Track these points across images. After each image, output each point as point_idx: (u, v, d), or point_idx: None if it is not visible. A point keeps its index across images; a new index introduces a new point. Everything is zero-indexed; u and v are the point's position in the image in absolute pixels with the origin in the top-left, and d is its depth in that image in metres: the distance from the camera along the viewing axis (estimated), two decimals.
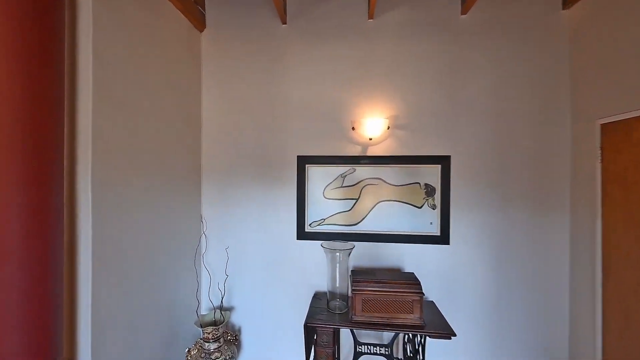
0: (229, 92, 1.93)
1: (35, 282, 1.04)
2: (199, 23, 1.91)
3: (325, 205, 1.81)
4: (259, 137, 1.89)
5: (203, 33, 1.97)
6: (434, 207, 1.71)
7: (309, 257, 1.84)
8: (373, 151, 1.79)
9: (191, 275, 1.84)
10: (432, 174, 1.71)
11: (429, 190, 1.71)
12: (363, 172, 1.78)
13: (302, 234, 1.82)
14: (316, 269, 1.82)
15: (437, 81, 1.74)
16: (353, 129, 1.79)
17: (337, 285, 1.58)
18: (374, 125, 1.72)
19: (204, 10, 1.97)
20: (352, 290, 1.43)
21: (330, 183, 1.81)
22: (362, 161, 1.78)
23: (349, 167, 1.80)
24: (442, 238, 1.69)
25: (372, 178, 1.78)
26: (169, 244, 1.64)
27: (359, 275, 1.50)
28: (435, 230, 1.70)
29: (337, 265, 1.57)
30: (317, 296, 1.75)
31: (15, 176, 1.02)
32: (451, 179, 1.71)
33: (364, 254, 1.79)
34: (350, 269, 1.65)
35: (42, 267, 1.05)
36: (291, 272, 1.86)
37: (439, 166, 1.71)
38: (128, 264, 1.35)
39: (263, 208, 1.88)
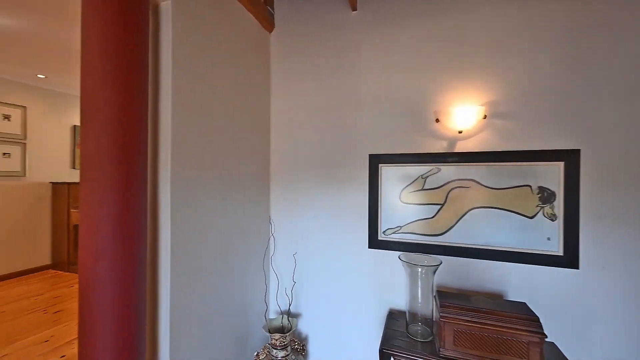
0: (297, 91, 1.86)
1: (123, 277, 1.09)
2: (268, 23, 1.89)
3: (402, 210, 1.57)
4: (327, 136, 1.76)
5: (272, 33, 1.95)
6: (553, 217, 1.30)
7: (383, 268, 1.62)
8: (463, 146, 1.47)
9: (260, 278, 1.81)
10: (550, 175, 1.31)
11: (546, 196, 1.31)
12: (450, 172, 1.48)
13: (374, 243, 1.62)
14: (391, 282, 1.59)
15: (560, 51, 1.32)
16: (437, 121, 1.51)
17: (419, 306, 1.33)
18: (464, 115, 1.41)
19: (273, 10, 1.95)
20: (441, 316, 1.16)
21: (409, 185, 1.56)
22: (449, 159, 1.48)
23: (431, 167, 1.52)
24: (568, 259, 1.27)
25: (462, 179, 1.46)
26: (239, 244, 1.64)
27: (449, 298, 1.22)
28: (557, 249, 1.29)
29: (419, 282, 1.32)
30: (392, 315, 1.52)
31: (108, 178, 1.08)
32: (581, 181, 1.27)
33: (450, 272, 1.49)
34: (434, 288, 1.38)
35: (129, 263, 1.10)
36: (362, 283, 1.67)
37: (561, 164, 1.29)
38: (202, 263, 1.36)
39: (331, 212, 1.74)
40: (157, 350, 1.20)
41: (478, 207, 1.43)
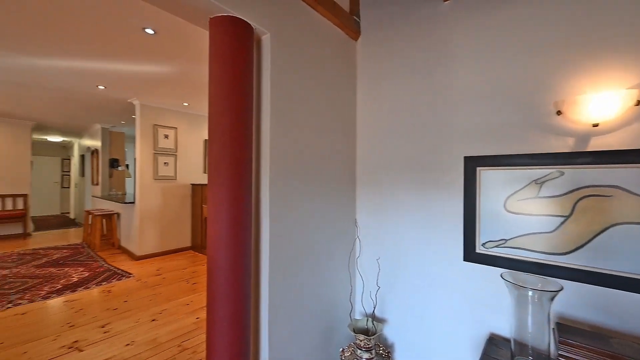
0: (383, 94, 1.84)
1: (234, 260, 1.33)
2: (354, 32, 1.94)
3: (508, 221, 1.34)
4: (416, 138, 1.67)
5: (358, 41, 1.99)
6: None
7: (481, 285, 1.42)
8: (600, 143, 1.14)
9: (346, 278, 1.88)
10: None
11: None
12: (579, 176, 1.18)
13: (470, 255, 1.44)
14: (492, 303, 1.38)
15: None
16: (558, 113, 1.22)
17: (529, 336, 1.11)
18: (602, 103, 1.09)
19: (359, 18, 1.99)
20: (561, 355, 0.94)
21: (517, 192, 1.32)
22: (578, 160, 1.18)
23: (550, 170, 1.24)
24: None
25: (600, 186, 1.14)
26: (327, 244, 1.74)
27: (576, 336, 0.98)
28: None
29: (529, 308, 1.10)
30: (494, 341, 1.32)
31: (225, 181, 1.35)
32: None
33: (579, 301, 1.18)
34: (552, 318, 1.12)
35: (239, 250, 1.34)
36: (455, 299, 1.51)
37: None
38: (294, 258, 1.52)
39: (419, 218, 1.64)
40: (258, 328, 1.41)
41: (626, 223, 1.09)
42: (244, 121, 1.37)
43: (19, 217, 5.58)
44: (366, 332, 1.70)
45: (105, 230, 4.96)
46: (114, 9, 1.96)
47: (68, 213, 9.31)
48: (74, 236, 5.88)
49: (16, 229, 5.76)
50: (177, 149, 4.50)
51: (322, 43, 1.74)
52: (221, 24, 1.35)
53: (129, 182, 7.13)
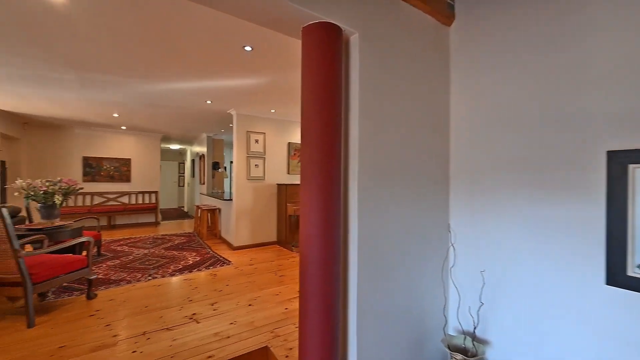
0: (484, 83, 1.61)
1: (325, 256, 1.37)
2: (446, 17, 1.76)
3: None
4: (530, 131, 1.41)
5: (451, 26, 1.80)
6: None
7: (634, 319, 1.09)
8: None
9: (438, 289, 1.72)
10: None
11: None
12: None
13: (618, 279, 1.12)
14: None
15: None
16: None
17: None
18: None
19: (454, 0, 1.80)
20: None
21: None
22: None
23: None
24: None
25: None
26: (417, 250, 1.63)
27: None
28: None
29: None
30: None
31: (317, 179, 1.39)
32: None
33: None
34: None
35: (329, 247, 1.37)
36: (587, 333, 1.21)
37: None
38: (382, 261, 1.47)
39: (535, 227, 1.38)
40: (346, 330, 1.42)
41: None
42: (334, 123, 1.40)
43: (152, 209, 7.12)
44: (464, 351, 1.52)
45: (210, 223, 5.87)
46: (220, 33, 2.28)
47: (183, 207, 11.41)
48: (187, 226, 7.16)
49: (150, 218, 7.36)
50: (265, 152, 4.98)
51: (411, 34, 1.64)
52: (313, 31, 1.41)
53: (226, 181, 8.30)
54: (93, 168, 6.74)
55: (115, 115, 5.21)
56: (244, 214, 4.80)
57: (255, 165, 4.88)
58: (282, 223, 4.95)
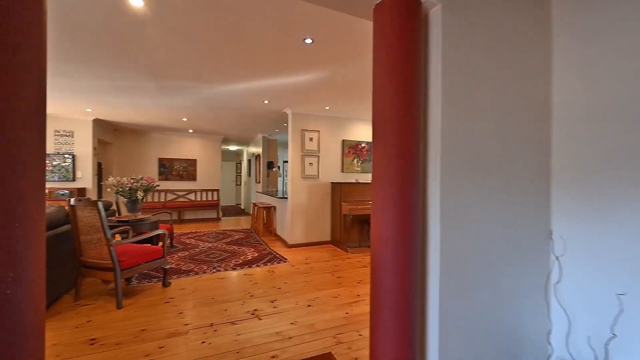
0: (599, 59, 1.26)
1: (401, 267, 1.20)
2: None
3: None
4: None
5: None
6: None
7: None
8: None
9: (539, 309, 1.41)
10: None
11: None
12: None
13: None
14: None
15: None
16: None
17: None
18: None
19: None
20: None
21: None
22: None
23: None
24: None
25: None
26: (510, 260, 1.35)
27: None
28: None
29: None
30: None
31: (391, 175, 1.23)
32: None
33: None
34: None
35: (406, 250, 1.19)
36: None
37: None
38: (468, 271, 1.24)
39: None
40: (425, 346, 1.22)
41: None
42: (412, 112, 1.21)
43: (214, 205, 7.67)
44: None
45: (266, 220, 6.07)
46: (283, 23, 2.24)
47: (240, 204, 12.16)
48: (244, 222, 7.55)
49: (212, 214, 7.95)
50: (319, 150, 4.94)
51: (504, 2, 1.36)
52: (386, 7, 1.25)
53: (279, 180, 8.55)
54: (166, 168, 7.54)
55: (185, 119, 5.71)
56: (299, 212, 4.82)
57: (310, 163, 4.87)
58: (337, 222, 4.85)
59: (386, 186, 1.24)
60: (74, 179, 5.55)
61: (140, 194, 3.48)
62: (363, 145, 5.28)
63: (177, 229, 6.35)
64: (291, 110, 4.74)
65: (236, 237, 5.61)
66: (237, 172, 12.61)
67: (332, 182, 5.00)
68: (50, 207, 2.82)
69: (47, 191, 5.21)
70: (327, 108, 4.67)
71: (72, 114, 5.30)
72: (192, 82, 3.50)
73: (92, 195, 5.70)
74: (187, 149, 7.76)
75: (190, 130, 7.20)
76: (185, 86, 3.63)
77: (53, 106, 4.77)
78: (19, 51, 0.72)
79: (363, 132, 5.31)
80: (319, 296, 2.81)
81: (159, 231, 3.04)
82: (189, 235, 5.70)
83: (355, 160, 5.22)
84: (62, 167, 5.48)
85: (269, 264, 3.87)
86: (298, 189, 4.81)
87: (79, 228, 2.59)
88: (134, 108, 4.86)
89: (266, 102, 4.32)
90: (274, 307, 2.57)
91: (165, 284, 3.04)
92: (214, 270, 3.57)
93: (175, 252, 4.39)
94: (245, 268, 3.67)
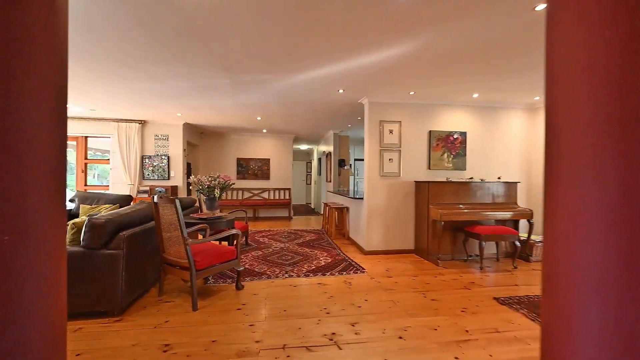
0: None
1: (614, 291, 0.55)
2: None
3: None
4: None
5: None
6: None
7: None
8: None
9: None
10: None
11: None
12: None
13: None
14: None
15: None
16: None
17: None
18: None
19: None
20: None
21: None
22: None
23: None
24: None
25: None
26: None
27: None
28: None
29: None
30: None
31: (607, 165, 0.60)
32: None
33: None
34: None
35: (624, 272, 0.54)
36: None
37: None
38: None
39: None
40: None
41: None
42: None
43: (286, 204, 7.68)
44: None
45: (338, 221, 5.67)
46: None
47: (310, 203, 12.19)
48: (314, 222, 7.34)
49: (284, 212, 8.00)
50: (400, 144, 4.27)
51: None
52: None
53: (351, 179, 8.09)
54: (243, 167, 7.90)
55: (259, 118, 5.76)
56: (377, 214, 4.25)
57: (389, 159, 4.24)
58: (422, 228, 4.10)
59: (590, 186, 0.61)
60: (168, 178, 6.17)
61: (217, 192, 3.46)
62: (456, 136, 4.37)
63: (252, 227, 6.51)
64: (368, 100, 4.20)
65: (307, 238, 5.37)
66: (307, 171, 12.70)
67: (416, 181, 4.26)
68: (142, 204, 2.95)
69: (148, 188, 5.91)
70: (412, 93, 3.96)
71: (166, 119, 5.89)
72: (265, 75, 3.30)
73: (182, 192, 6.27)
74: (261, 148, 8.00)
75: (264, 130, 7.35)
76: (258, 80, 3.47)
77: (151, 113, 5.33)
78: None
79: (455, 120, 4.40)
80: (411, 325, 2.20)
81: (233, 231, 2.90)
82: (263, 234, 5.72)
83: (446, 155, 4.35)
84: (160, 167, 6.15)
85: (344, 273, 3.42)
86: (376, 189, 4.24)
87: (162, 225, 2.60)
88: (214, 110, 5.05)
89: (341, 91, 3.89)
90: (356, 334, 2.08)
91: (239, 287, 2.88)
92: (286, 275, 3.31)
93: (250, 251, 4.35)
94: (319, 276, 3.30)
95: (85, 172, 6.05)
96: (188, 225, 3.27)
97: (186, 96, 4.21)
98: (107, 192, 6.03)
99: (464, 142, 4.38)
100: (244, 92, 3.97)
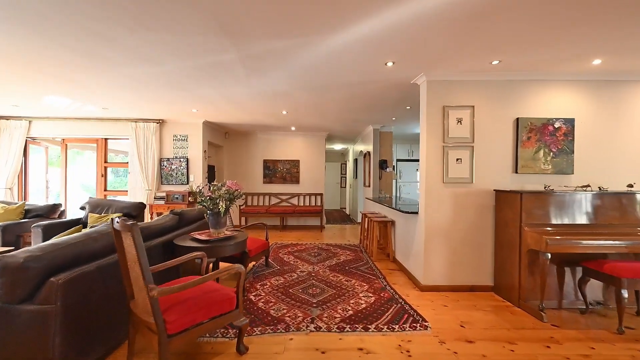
0: None
1: None
2: None
3: None
4: None
5: None
6: None
7: None
8: None
9: None
10: None
11: None
12: None
13: None
14: None
15: None
16: None
17: None
18: None
19: None
20: None
21: None
22: None
23: None
24: None
25: None
26: None
27: None
28: None
29: None
30: None
31: None
32: None
33: None
34: None
35: None
36: None
37: None
38: None
39: None
40: None
41: None
42: None
43: (317, 212, 6.71)
44: None
45: (380, 237, 4.55)
46: None
47: (344, 208, 11.12)
48: (350, 233, 6.27)
49: (315, 221, 7.05)
50: (473, 138, 3.04)
51: None
52: None
53: (394, 183, 6.89)
54: (270, 170, 7.11)
55: (284, 112, 4.87)
56: (438, 235, 3.07)
57: (457, 159, 3.04)
58: (508, 259, 2.83)
59: None
60: (187, 182, 5.57)
61: (222, 206, 2.60)
62: (558, 124, 3.00)
63: (279, 238, 5.66)
64: (426, 78, 3.05)
65: (342, 257, 4.34)
66: (341, 174, 11.65)
67: (496, 190, 3.00)
68: (103, 229, 2.15)
69: (165, 194, 5.34)
70: (495, 63, 2.72)
71: (184, 117, 5.28)
72: (281, 40, 2.34)
73: None
74: (290, 148, 7.14)
75: (293, 128, 6.47)
76: (273, 50, 2.53)
77: (166, 110, 4.73)
78: None
79: (558, 103, 3.04)
80: None
81: (235, 267, 1.98)
82: (289, 249, 4.81)
83: (542, 153, 3.02)
84: (179, 170, 5.58)
85: (396, 326, 2.32)
86: (437, 200, 3.07)
87: (127, 261, 1.76)
88: (231, 103, 4.27)
89: (390, 64, 2.79)
90: None
91: (241, 350, 1.95)
92: (312, 326, 2.30)
93: (268, 276, 3.43)
94: (359, 331, 2.25)
95: (105, 176, 5.69)
96: (182, 251, 2.44)
97: (191, 84, 3.45)
98: (124, 198, 5.61)
99: (570, 133, 3.00)
100: (259, 73, 3.07)
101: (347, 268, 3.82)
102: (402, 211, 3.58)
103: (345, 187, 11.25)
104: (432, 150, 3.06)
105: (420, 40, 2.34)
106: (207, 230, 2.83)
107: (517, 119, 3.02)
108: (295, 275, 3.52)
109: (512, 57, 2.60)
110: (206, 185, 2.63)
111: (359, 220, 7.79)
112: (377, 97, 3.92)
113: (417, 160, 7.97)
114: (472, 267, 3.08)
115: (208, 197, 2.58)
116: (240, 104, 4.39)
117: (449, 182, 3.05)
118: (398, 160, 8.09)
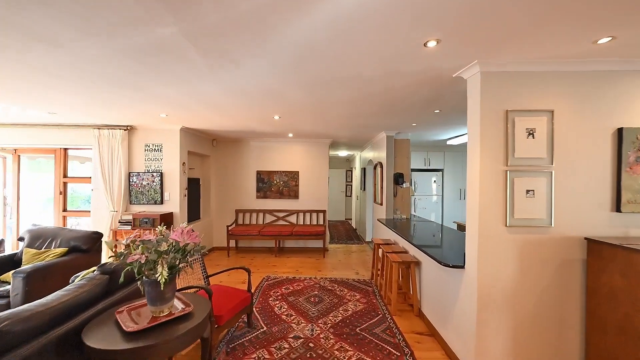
0: None
1: None
2: None
3: None
4: None
5: None
6: None
7: None
8: None
9: None
10: None
11: None
12: None
13: None
14: None
15: None
16: None
17: None
18: None
19: None
20: None
21: None
22: None
23: None
24: None
25: None
26: None
27: None
28: None
29: None
30: None
31: None
32: None
33: None
34: None
35: None
36: None
37: None
38: None
39: None
40: None
41: None
42: None
43: (320, 234, 5.68)
44: None
45: (399, 277, 3.54)
46: None
47: (350, 219, 10.11)
48: (358, 259, 5.27)
49: (317, 243, 6.05)
50: (552, 159, 2.02)
51: None
52: None
53: (412, 200, 5.82)
54: (265, 183, 6.12)
55: (276, 117, 3.88)
56: (496, 302, 2.05)
57: (527, 191, 2.02)
58: (618, 348, 1.80)
59: None
60: (161, 202, 4.61)
61: (163, 274, 1.60)
62: None
63: (272, 267, 4.67)
64: (480, 68, 2.03)
65: (350, 306, 3.33)
66: (346, 181, 10.64)
67: (587, 239, 1.97)
68: None
69: (131, 217, 4.38)
70: (604, 41, 1.70)
71: (155, 123, 4.32)
72: None
73: (180, 220, 4.65)
74: (287, 158, 6.15)
75: (290, 135, 5.49)
76: (236, 18, 1.54)
77: (133, 116, 3.77)
78: None
79: None
80: None
81: None
82: (283, 288, 3.81)
83: None
84: (151, 187, 4.62)
85: None
86: (496, 251, 2.05)
87: None
88: (204, 104, 3.29)
89: (432, 44, 1.77)
90: None
91: None
92: None
93: (248, 351, 2.42)
94: None
95: (64, 193, 4.75)
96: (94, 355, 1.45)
97: (139, 80, 2.47)
98: (87, 220, 4.66)
99: None
100: (225, 60, 2.06)
101: (357, 328, 2.81)
102: (442, 263, 2.53)
103: (350, 196, 10.26)
104: (488, 176, 2.05)
105: (485, 4, 1.34)
106: (142, 311, 1.83)
107: (620, 129, 1.99)
108: (287, 347, 2.52)
109: (630, 29, 1.58)
110: (132, 237, 1.64)
111: (367, 238, 6.78)
112: (398, 98, 2.90)
113: (435, 170, 6.92)
114: (549, 351, 2.05)
115: (137, 261, 1.59)
116: (219, 108, 3.41)
117: (516, 226, 2.02)
118: (412, 170, 7.06)
